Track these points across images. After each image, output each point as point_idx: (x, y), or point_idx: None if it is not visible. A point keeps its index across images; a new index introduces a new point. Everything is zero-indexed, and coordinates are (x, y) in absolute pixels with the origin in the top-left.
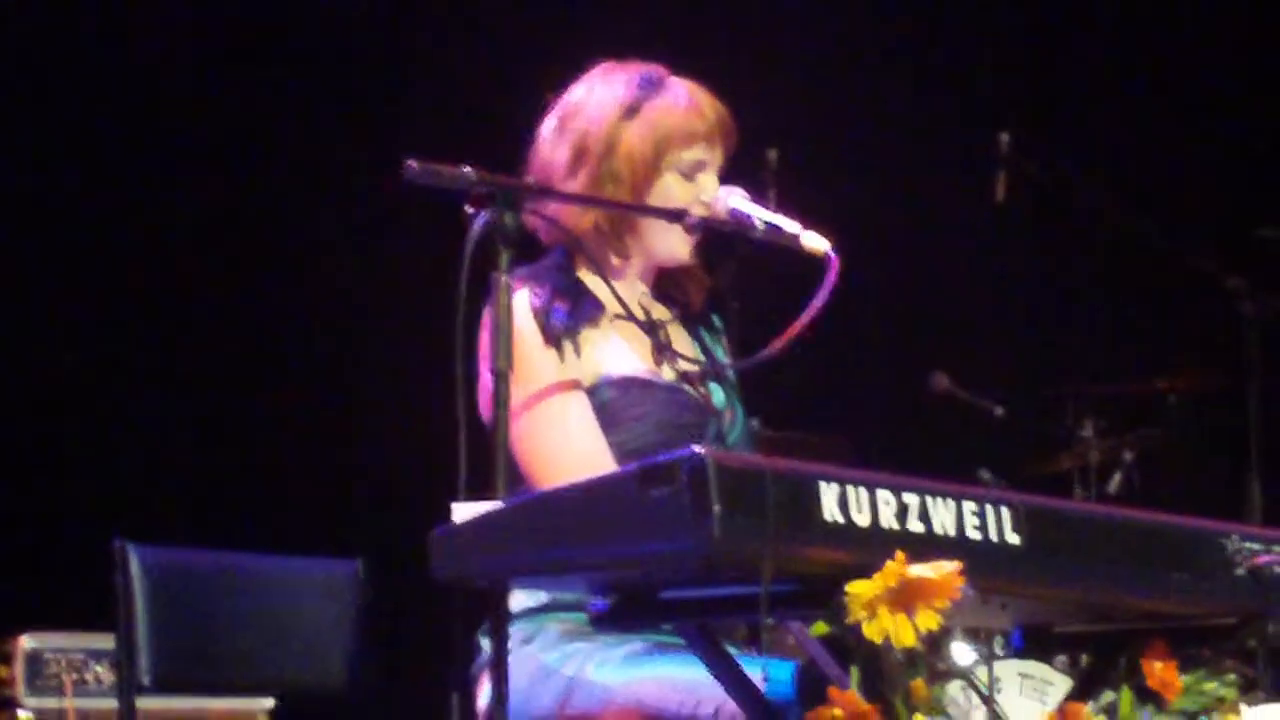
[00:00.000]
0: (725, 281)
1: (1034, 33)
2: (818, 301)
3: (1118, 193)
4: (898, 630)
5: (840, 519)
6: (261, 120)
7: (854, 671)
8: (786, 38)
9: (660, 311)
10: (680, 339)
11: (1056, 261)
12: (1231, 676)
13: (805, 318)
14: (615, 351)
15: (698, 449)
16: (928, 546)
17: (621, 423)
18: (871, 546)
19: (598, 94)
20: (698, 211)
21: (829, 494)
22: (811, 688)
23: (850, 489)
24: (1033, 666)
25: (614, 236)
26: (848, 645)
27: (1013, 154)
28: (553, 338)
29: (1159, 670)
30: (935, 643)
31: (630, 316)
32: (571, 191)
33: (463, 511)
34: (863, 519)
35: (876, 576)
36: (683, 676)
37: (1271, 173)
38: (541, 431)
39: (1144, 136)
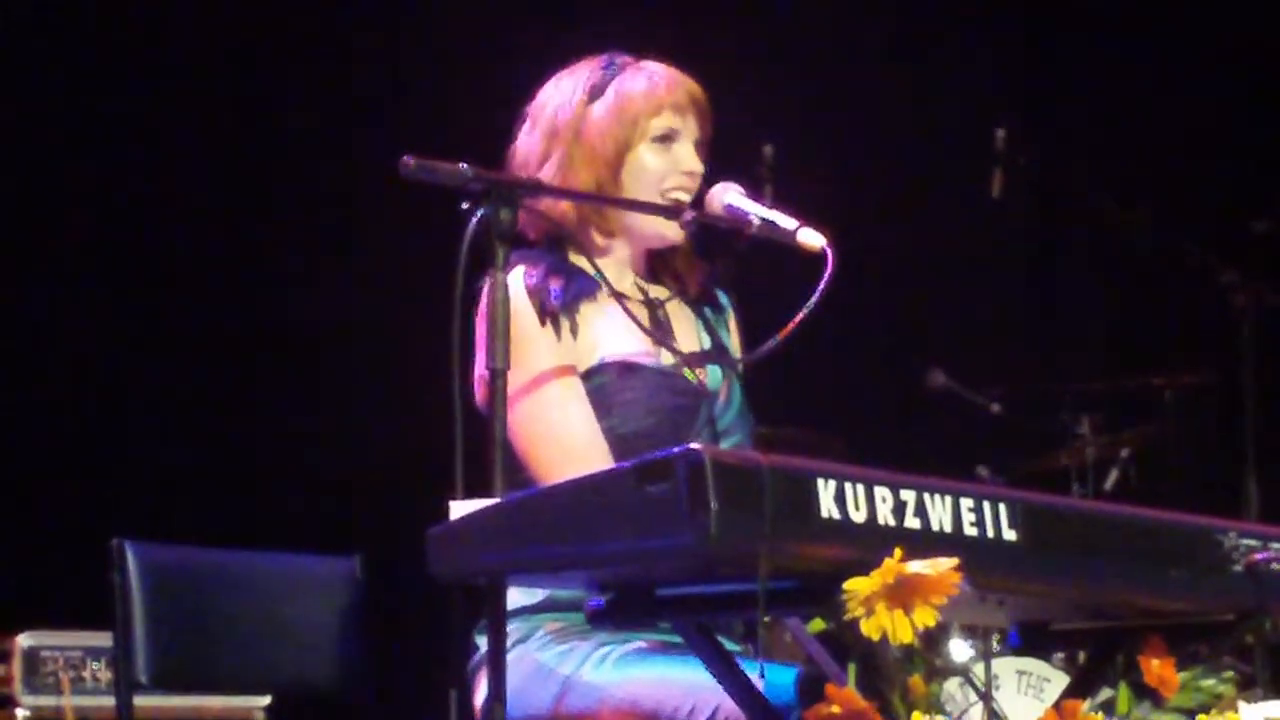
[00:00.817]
0: (725, 278)
1: (1030, 29)
2: (816, 296)
3: (1113, 188)
4: (895, 627)
5: (838, 515)
6: (260, 117)
7: (851, 668)
8: (782, 34)
9: (658, 291)
10: (680, 317)
11: (1052, 257)
12: (1229, 673)
13: (804, 312)
14: (613, 329)
15: (695, 446)
16: (925, 543)
17: (613, 407)
18: (869, 543)
19: (564, 85)
20: (676, 182)
21: (826, 490)
22: (813, 694)
23: (848, 485)
24: (1030, 663)
25: (599, 218)
26: (845, 642)
27: (1009, 150)
28: (549, 315)
29: (1156, 667)
30: (933, 640)
31: (621, 296)
32: (548, 178)
33: (460, 509)
34: (860, 515)
35: (874, 573)
36: (680, 677)
37: (1266, 167)
38: (538, 417)
39: (1139, 132)
